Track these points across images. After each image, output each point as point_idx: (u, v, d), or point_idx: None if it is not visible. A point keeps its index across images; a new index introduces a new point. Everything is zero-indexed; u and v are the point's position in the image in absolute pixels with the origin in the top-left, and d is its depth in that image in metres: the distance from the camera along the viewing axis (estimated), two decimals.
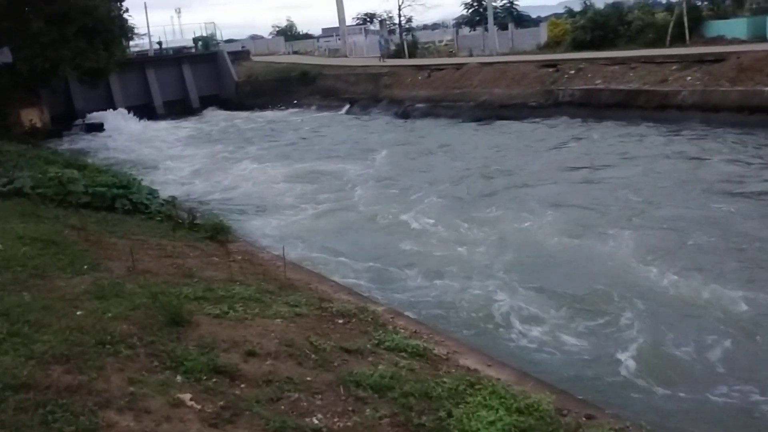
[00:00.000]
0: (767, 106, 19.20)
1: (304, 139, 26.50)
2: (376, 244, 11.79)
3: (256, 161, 21.42)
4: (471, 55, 38.81)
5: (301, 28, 75.60)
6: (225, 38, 55.33)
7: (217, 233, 10.11)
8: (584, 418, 5.22)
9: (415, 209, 13.51)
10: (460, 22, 56.65)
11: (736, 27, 29.76)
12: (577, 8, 37.80)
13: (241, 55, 46.16)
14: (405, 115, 29.88)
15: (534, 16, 61.49)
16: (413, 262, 10.44)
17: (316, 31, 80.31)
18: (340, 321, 6.75)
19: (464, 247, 11.02)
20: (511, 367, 6.35)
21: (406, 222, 12.81)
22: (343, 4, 50.63)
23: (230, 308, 6.43)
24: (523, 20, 53.32)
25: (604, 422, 5.20)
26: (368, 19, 63.98)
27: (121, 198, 11.74)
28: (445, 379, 5.41)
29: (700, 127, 19.54)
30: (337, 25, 54.66)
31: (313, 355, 5.60)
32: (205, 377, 4.86)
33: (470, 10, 55.49)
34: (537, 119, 24.47)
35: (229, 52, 44.38)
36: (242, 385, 4.89)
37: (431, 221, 12.62)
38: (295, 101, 37.66)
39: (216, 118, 36.38)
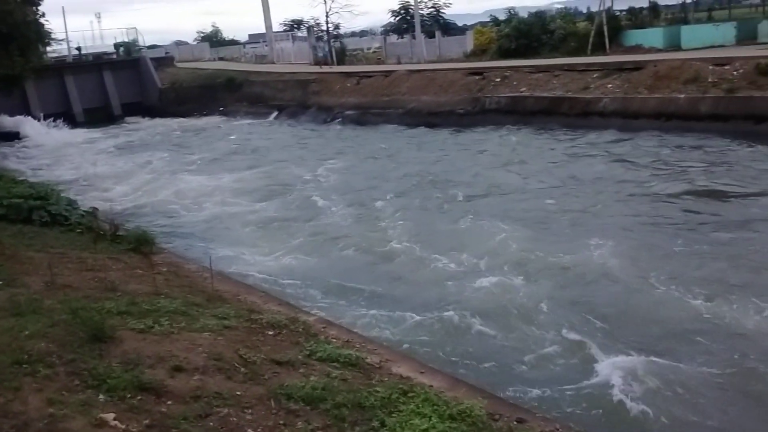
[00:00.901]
0: (682, 112, 19.98)
1: (237, 146, 25.78)
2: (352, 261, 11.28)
3: (190, 172, 20.70)
4: (399, 63, 39.06)
5: (227, 34, 74.72)
6: (148, 44, 54.07)
7: (141, 245, 9.79)
8: (515, 422, 5.27)
9: (383, 225, 12.99)
10: (388, 30, 57.05)
11: (653, 36, 30.96)
12: (502, 17, 38.60)
13: (164, 61, 45.15)
14: (335, 122, 29.82)
15: (460, 24, 62.47)
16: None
17: (243, 37, 79.35)
18: (271, 332, 6.61)
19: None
20: (443, 373, 6.36)
21: (382, 241, 12.06)
22: (269, 10, 50.11)
23: (155, 322, 6.20)
24: (449, 28, 54.09)
25: (535, 425, 5.26)
26: (295, 26, 63.73)
27: (38, 210, 11.23)
28: (378, 389, 5.36)
29: (620, 133, 20.12)
30: (264, 31, 54.12)
31: (242, 369, 5.45)
32: (129, 395, 4.66)
33: (397, 18, 56.01)
34: (465, 126, 24.80)
35: (152, 58, 43.33)
36: (169, 402, 4.71)
37: (404, 238, 12.15)
38: (222, 108, 37.04)
39: (139, 125, 35.41)
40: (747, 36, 29.10)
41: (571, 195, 14.14)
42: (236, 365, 5.50)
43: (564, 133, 21.27)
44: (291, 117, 32.48)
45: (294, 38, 55.76)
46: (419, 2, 46.62)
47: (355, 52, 46.14)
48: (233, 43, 69.21)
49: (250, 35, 78.71)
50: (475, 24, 52.70)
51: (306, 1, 75.71)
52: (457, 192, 15.11)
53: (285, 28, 64.57)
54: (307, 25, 55.93)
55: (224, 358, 5.57)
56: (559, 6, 43.41)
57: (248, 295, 8.30)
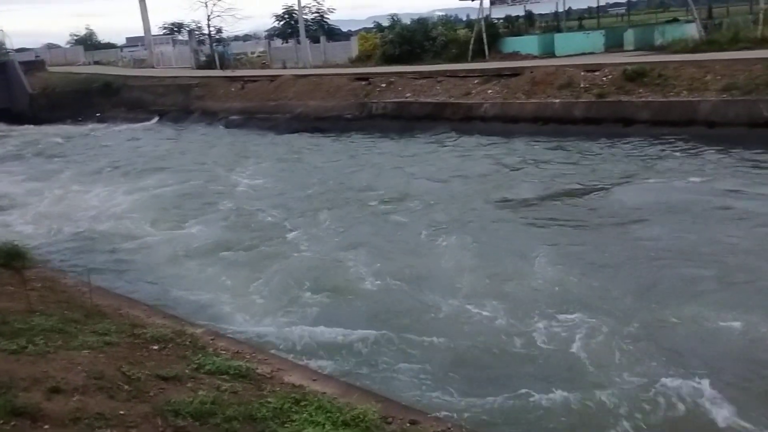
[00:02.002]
0: (558, 116, 20.94)
1: (123, 155, 24.15)
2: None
3: (76, 183, 19.19)
4: (285, 67, 38.79)
5: (103, 37, 71.68)
6: (16, 47, 50.99)
7: (12, 259, 9.16)
8: (408, 424, 5.32)
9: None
10: (272, 34, 56.48)
11: (529, 44, 32.28)
12: (386, 23, 39.09)
13: (35, 65, 42.72)
14: (220, 128, 29.21)
15: (344, 29, 62.70)
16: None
17: (120, 40, 76.49)
18: (155, 347, 6.35)
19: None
20: (336, 380, 6.34)
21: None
22: (147, 13, 48.53)
23: (29, 342, 5.81)
24: (334, 33, 54.15)
25: (428, 426, 5.33)
26: (176, 29, 61.95)
27: None
28: (269, 399, 5.26)
29: (500, 136, 20.82)
30: (142, 34, 52.30)
31: (126, 387, 5.20)
32: (2, 421, 4.34)
33: (282, 23, 55.50)
34: (353, 131, 24.92)
35: (21, 62, 40.89)
36: (46, 427, 4.41)
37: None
38: (99, 114, 35.41)
39: (9, 134, 33.15)
40: (614, 43, 30.89)
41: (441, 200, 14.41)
42: (119, 383, 5.24)
43: (448, 138, 21.73)
44: (173, 122, 31.51)
45: (175, 42, 54.17)
46: (303, 7, 46.45)
47: (239, 57, 45.39)
48: (110, 46, 66.49)
49: (127, 38, 76.02)
50: (360, 30, 52.98)
51: (186, 4, 73.80)
52: (386, 202, 14.66)
53: (165, 31, 62.56)
54: (188, 29, 54.45)
55: (106, 377, 5.29)
56: (440, 13, 44.52)
57: (131, 309, 7.95)
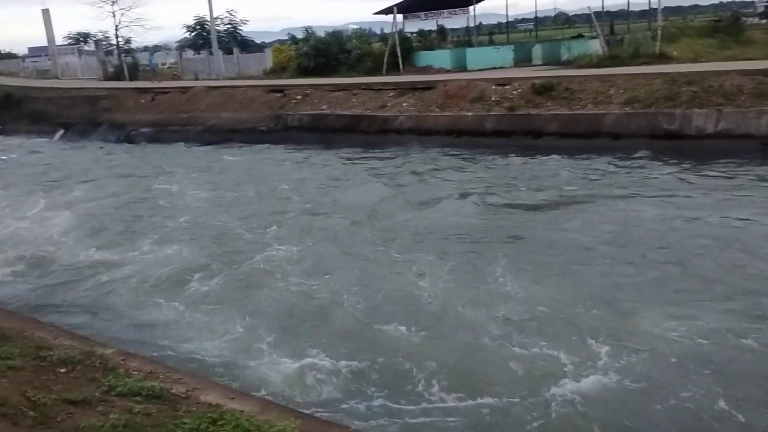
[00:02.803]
0: (471, 129, 21.37)
1: (24, 168, 23.06)
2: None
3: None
4: (197, 79, 38.12)
5: (3, 46, 68.46)
6: None
7: None
8: None
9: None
10: (184, 45, 55.48)
11: (441, 58, 32.90)
12: (300, 35, 39.03)
13: None
14: (130, 140, 28.37)
15: (258, 41, 62.26)
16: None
17: (22, 50, 73.25)
18: (63, 370, 6.06)
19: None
20: (254, 397, 6.22)
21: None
22: (51, 22, 46.68)
23: None
24: (247, 45, 53.76)
25: None
26: (82, 39, 59.99)
27: None
28: (185, 420, 5.11)
29: (415, 149, 21.07)
30: (46, 44, 50.25)
31: (31, 413, 4.94)
32: None
33: (193, 33, 54.62)
34: (268, 143, 24.69)
35: None
36: None
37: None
38: None
39: None
40: (523, 58, 31.92)
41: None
42: (23, 409, 4.97)
43: (363, 150, 21.83)
44: (80, 135, 30.31)
45: (81, 52, 52.36)
46: (215, 18, 45.76)
47: (148, 68, 44.27)
48: (10, 56, 63.62)
49: (30, 48, 72.89)
50: (274, 42, 52.78)
51: (93, 13, 71.52)
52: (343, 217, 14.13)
53: (70, 41, 60.41)
54: (95, 39, 52.73)
55: (9, 403, 5.01)
56: (354, 26, 44.68)
57: (36, 331, 7.57)
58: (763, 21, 57.40)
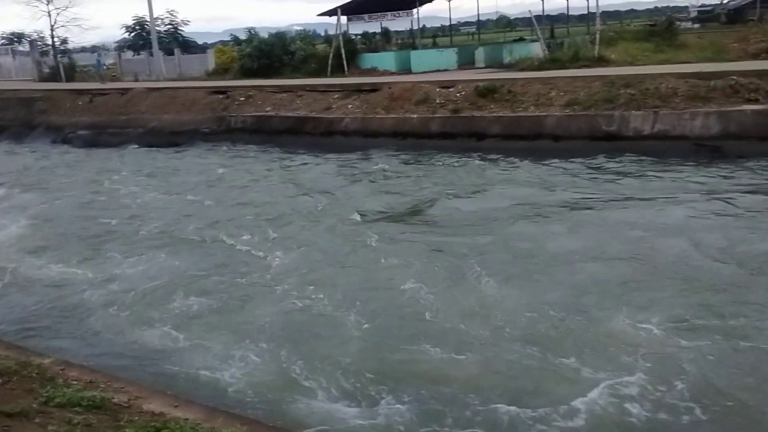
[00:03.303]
0: (416, 131, 21.48)
1: None
2: None
3: None
4: (137, 80, 37.37)
5: None
6: None
7: None
8: None
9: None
10: (123, 46, 54.37)
11: (386, 60, 33.01)
12: (243, 36, 38.65)
13: None
14: (67, 143, 27.58)
15: (200, 42, 61.44)
16: None
17: None
18: None
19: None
20: (199, 404, 6.10)
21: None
22: None
23: None
24: (189, 46, 53.04)
25: None
26: (16, 39, 58.21)
27: None
28: (127, 430, 4.99)
29: (361, 151, 21.06)
30: None
31: None
32: None
33: (133, 34, 53.61)
34: (211, 145, 24.34)
35: None
36: None
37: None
38: None
39: None
40: (466, 61, 32.28)
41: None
42: None
43: (308, 152, 21.72)
44: (14, 138, 29.36)
45: (15, 53, 50.70)
46: (156, 18, 44.93)
47: (86, 69, 43.18)
48: None
49: None
50: (216, 42, 52.07)
51: (28, 13, 69.46)
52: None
53: (3, 41, 58.51)
54: (29, 39, 51.17)
55: None
56: (298, 28, 44.44)
57: None
58: (696, 25, 59.47)
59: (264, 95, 26.42)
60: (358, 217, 13.59)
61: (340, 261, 10.94)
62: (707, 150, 16.81)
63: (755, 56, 23.34)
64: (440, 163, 18.69)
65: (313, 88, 26.13)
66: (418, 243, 11.61)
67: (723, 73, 18.84)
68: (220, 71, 36.90)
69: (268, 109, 25.52)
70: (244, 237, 12.51)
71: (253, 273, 10.54)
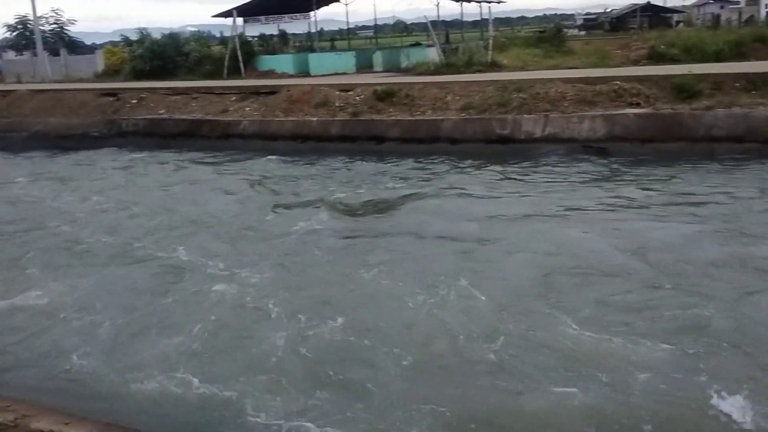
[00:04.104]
0: (316, 134, 21.43)
1: None
2: None
3: None
4: (20, 82, 35.44)
5: None
6: None
7: None
8: None
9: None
10: (4, 46, 51.49)
11: (284, 62, 32.73)
12: (134, 37, 37.36)
13: None
14: None
15: (88, 42, 59.05)
16: None
17: None
18: None
19: None
20: (92, 420, 5.83)
21: None
22: None
23: None
24: (76, 47, 50.88)
25: None
26: None
27: None
28: None
29: (258, 154, 20.76)
30: None
31: None
32: None
33: (15, 33, 50.90)
34: (101, 149, 23.37)
35: None
36: None
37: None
38: None
39: None
40: (365, 64, 32.47)
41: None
42: None
43: (204, 156, 21.23)
44: None
45: None
46: (40, 17, 42.81)
47: None
48: None
49: None
50: (106, 43, 50.19)
51: None
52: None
53: None
54: None
55: None
56: (192, 28, 43.50)
57: None
58: (582, 33, 62.40)
59: (157, 97, 25.67)
60: (262, 220, 13.41)
61: (238, 264, 10.76)
62: (594, 151, 17.63)
63: (636, 62, 24.73)
64: (337, 166, 18.73)
65: (208, 91, 25.62)
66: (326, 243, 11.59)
67: (607, 78, 19.84)
68: (110, 73, 35.60)
69: (162, 111, 24.81)
70: (139, 244, 12.11)
71: (159, 284, 10.19)
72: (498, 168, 16.98)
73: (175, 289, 9.79)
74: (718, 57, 23.17)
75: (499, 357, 7.23)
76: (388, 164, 18.48)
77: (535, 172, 16.35)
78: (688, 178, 14.81)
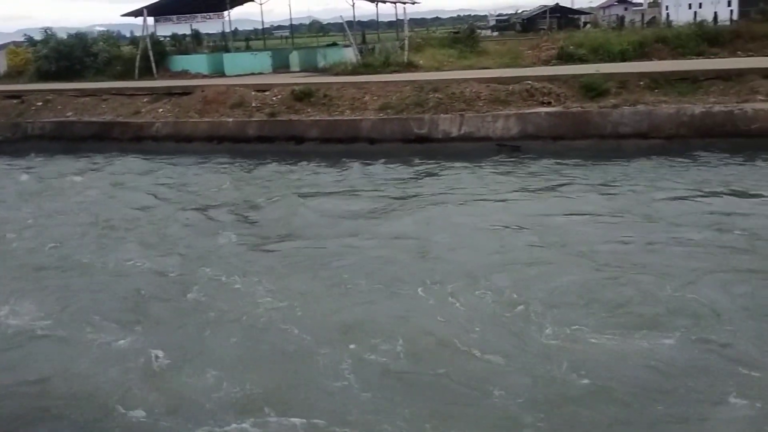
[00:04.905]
0: (232, 135, 21.12)
1: None
2: None
3: None
4: None
5: None
6: None
7: None
8: None
9: None
10: None
11: (198, 62, 32.09)
12: (39, 37, 35.80)
13: None
14: None
15: None
16: None
17: None
18: None
19: None
20: None
21: None
22: None
23: None
24: None
25: None
26: None
27: None
28: None
29: (173, 156, 20.29)
30: None
31: None
32: None
33: None
34: (5, 155, 22.29)
35: None
36: None
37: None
38: None
39: None
40: (281, 65, 32.18)
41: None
42: None
43: (115, 159, 20.55)
44: None
45: None
46: None
47: None
48: None
49: None
50: (8, 43, 47.81)
51: None
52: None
53: None
54: None
55: None
56: (101, 28, 41.98)
57: None
58: (495, 33, 63.87)
59: (64, 99, 24.75)
60: (175, 225, 13.12)
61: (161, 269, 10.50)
62: (508, 149, 18.07)
63: (546, 62, 25.50)
64: (257, 168, 18.51)
65: (119, 92, 24.88)
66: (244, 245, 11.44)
67: (520, 78, 20.39)
68: (12, 74, 34.03)
69: (70, 114, 23.93)
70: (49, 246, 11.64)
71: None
72: (408, 168, 17.22)
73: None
74: (623, 57, 24.17)
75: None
76: (298, 166, 18.32)
77: (449, 169, 16.72)
78: (591, 173, 15.47)
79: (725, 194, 12.99)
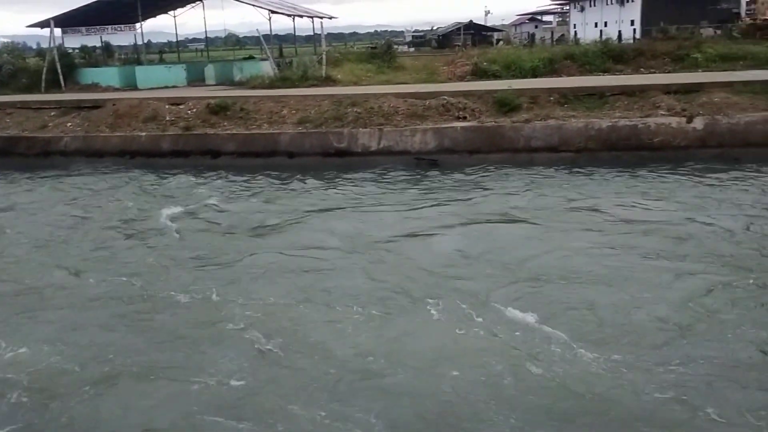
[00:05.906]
0: (146, 149, 20.57)
1: None
2: None
3: None
4: None
5: None
6: None
7: None
8: None
9: None
10: None
11: (109, 75, 31.21)
12: None
13: None
14: None
15: None
16: None
17: None
18: None
19: None
20: None
21: None
22: None
23: None
24: None
25: None
26: None
27: None
28: None
29: (83, 172, 19.56)
30: None
31: None
32: None
33: None
34: None
35: None
36: None
37: None
38: None
39: None
40: (196, 78, 31.66)
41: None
42: None
43: (20, 176, 19.66)
44: None
45: None
46: None
47: None
48: None
49: None
50: None
51: None
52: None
53: None
54: None
55: None
56: (5, 40, 40.34)
57: None
58: (411, 49, 64.84)
59: None
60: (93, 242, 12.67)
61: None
62: (426, 163, 18.32)
63: (461, 78, 26.05)
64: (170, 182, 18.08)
65: (24, 105, 23.91)
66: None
67: (436, 93, 20.77)
68: None
69: None
70: None
71: None
72: (321, 181, 17.26)
73: None
74: (534, 73, 25.00)
75: None
76: (210, 180, 18.07)
77: (360, 182, 16.96)
78: (501, 184, 15.95)
79: (633, 203, 13.69)
